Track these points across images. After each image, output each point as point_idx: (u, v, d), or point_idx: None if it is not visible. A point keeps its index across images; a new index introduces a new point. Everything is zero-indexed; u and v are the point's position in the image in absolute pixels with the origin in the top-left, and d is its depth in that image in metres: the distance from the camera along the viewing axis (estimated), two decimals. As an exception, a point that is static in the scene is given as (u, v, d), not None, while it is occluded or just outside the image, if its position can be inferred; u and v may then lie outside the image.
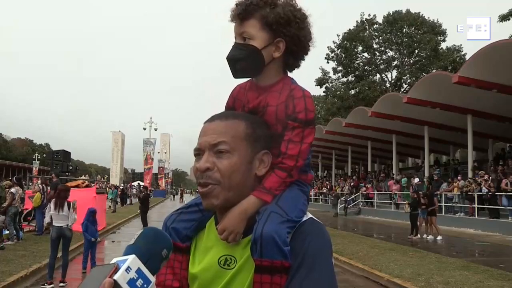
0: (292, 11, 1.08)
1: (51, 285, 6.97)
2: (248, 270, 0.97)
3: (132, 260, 0.76)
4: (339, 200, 27.55)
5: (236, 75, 1.10)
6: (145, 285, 0.76)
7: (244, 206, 1.01)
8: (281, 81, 1.10)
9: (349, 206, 27.06)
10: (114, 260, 0.77)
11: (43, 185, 13.26)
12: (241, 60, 1.07)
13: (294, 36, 1.08)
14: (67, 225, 7.26)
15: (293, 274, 0.93)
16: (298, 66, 1.15)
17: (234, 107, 1.16)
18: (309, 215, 1.05)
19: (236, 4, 1.09)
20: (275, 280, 0.93)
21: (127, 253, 0.79)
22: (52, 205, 7.23)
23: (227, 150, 1.00)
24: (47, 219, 7.63)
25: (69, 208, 7.30)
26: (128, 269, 0.75)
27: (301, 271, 0.92)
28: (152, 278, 0.78)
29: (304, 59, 1.15)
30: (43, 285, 6.99)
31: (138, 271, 0.76)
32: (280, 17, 1.06)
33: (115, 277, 0.73)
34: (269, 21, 1.06)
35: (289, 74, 1.17)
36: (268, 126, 1.08)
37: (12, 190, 11.01)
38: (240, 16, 1.08)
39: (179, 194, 57.37)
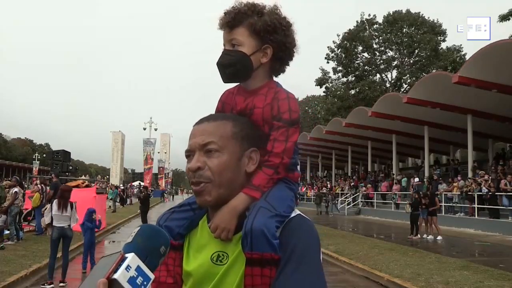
0: (278, 19, 1.14)
1: (51, 285, 6.98)
2: (240, 264, 1.01)
3: (131, 259, 0.77)
4: (323, 199, 28.21)
5: (226, 80, 1.16)
6: (145, 283, 0.77)
7: (234, 204, 1.05)
8: (266, 84, 1.16)
9: (328, 205, 27.63)
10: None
11: (42, 185, 13.26)
12: (231, 65, 1.13)
13: (280, 42, 1.14)
14: (69, 225, 7.27)
15: (282, 268, 0.97)
16: (283, 71, 1.22)
17: (223, 111, 1.22)
18: (297, 212, 1.09)
19: (225, 13, 1.15)
20: (265, 272, 0.97)
21: (125, 251, 0.79)
22: (55, 205, 7.22)
23: (216, 149, 1.05)
24: (47, 220, 7.61)
25: (71, 208, 7.33)
26: (128, 267, 0.75)
27: (290, 265, 0.96)
28: (152, 275, 0.79)
29: (289, 65, 1.21)
30: (43, 285, 7.00)
31: (138, 269, 0.77)
32: (267, 25, 1.12)
33: (115, 276, 0.74)
34: (257, 29, 1.12)
35: (277, 78, 1.22)
36: (255, 126, 1.13)
37: (16, 189, 11.02)
38: (229, 24, 1.13)
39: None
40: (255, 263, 0.97)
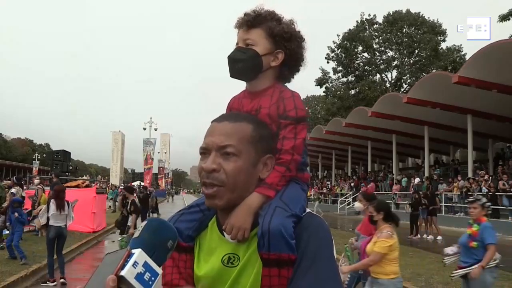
0: (294, 30, 1.19)
1: (54, 283, 7.09)
2: (252, 265, 1.01)
3: (138, 255, 0.76)
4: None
5: (233, 74, 1.17)
6: (152, 278, 0.76)
7: (249, 203, 1.05)
8: (272, 86, 1.17)
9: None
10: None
11: (41, 185, 13.26)
12: (241, 61, 1.14)
13: (292, 51, 1.17)
14: (65, 225, 7.43)
15: (296, 267, 0.96)
16: (289, 80, 1.23)
17: None
18: (307, 210, 1.09)
19: (245, 14, 1.18)
20: (282, 273, 0.97)
21: (132, 246, 0.79)
22: (53, 205, 7.34)
23: (234, 153, 1.04)
24: (42, 221, 7.70)
25: (68, 207, 7.48)
26: (135, 264, 0.75)
27: (304, 263, 0.96)
28: (159, 270, 0.78)
29: (293, 77, 1.24)
30: (45, 283, 7.07)
31: (145, 264, 0.76)
32: (284, 31, 1.16)
33: (123, 273, 0.73)
34: (273, 33, 1.16)
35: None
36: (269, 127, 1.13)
37: (13, 190, 11.01)
38: (249, 23, 1.16)
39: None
40: (272, 263, 0.96)
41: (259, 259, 0.99)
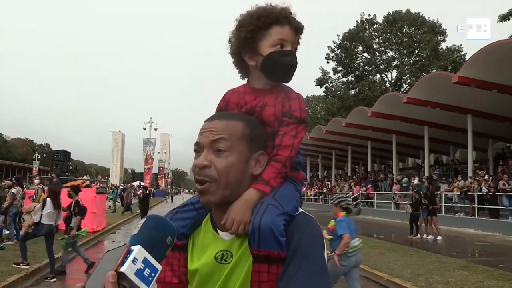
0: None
1: (54, 279, 7.33)
2: (244, 262, 1.02)
3: (137, 251, 0.76)
4: None
5: (289, 79, 1.16)
6: (152, 274, 0.76)
7: (248, 197, 1.05)
8: (278, 84, 1.17)
9: None
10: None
11: (41, 185, 13.27)
12: (295, 66, 1.15)
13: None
14: (55, 223, 7.76)
15: (287, 265, 0.97)
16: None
17: (226, 109, 1.20)
18: (300, 209, 1.09)
19: (282, 8, 1.13)
20: (272, 270, 0.98)
21: (132, 243, 0.79)
22: (50, 204, 7.60)
23: (225, 149, 1.04)
24: (37, 217, 7.81)
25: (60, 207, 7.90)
26: (134, 260, 0.75)
27: (295, 262, 0.97)
28: (159, 266, 0.78)
29: None
30: (18, 265, 7.57)
31: (145, 261, 0.76)
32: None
33: (122, 269, 0.73)
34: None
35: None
36: (264, 126, 1.13)
37: (13, 190, 11.02)
38: (287, 20, 1.13)
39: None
40: (262, 260, 0.98)
41: (251, 256, 1.00)
